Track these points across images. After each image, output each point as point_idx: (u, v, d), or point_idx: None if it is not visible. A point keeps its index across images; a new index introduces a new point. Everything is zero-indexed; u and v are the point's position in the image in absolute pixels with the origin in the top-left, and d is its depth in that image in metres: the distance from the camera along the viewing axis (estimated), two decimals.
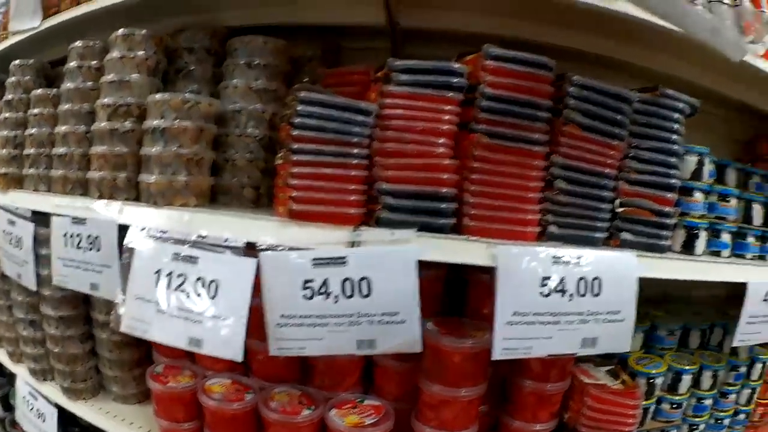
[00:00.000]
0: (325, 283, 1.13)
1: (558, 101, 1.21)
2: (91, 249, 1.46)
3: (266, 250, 1.16)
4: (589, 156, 1.22)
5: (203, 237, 1.25)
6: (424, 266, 1.11)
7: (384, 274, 1.12)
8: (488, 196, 1.17)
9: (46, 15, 1.77)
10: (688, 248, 1.37)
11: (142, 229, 1.31)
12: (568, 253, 1.17)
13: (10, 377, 2.04)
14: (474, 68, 1.19)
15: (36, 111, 1.64)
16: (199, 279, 1.22)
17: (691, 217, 1.36)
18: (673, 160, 1.29)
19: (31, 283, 1.63)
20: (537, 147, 1.18)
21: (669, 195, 1.29)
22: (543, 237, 1.22)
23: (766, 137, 1.86)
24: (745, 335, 1.43)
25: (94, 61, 1.57)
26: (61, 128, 1.51)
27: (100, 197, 1.45)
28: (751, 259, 1.50)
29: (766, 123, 1.83)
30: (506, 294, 1.13)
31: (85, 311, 1.69)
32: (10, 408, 2.11)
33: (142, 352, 1.59)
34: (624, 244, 1.27)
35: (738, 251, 1.48)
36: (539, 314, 1.14)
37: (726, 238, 1.44)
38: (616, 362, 1.47)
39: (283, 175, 1.20)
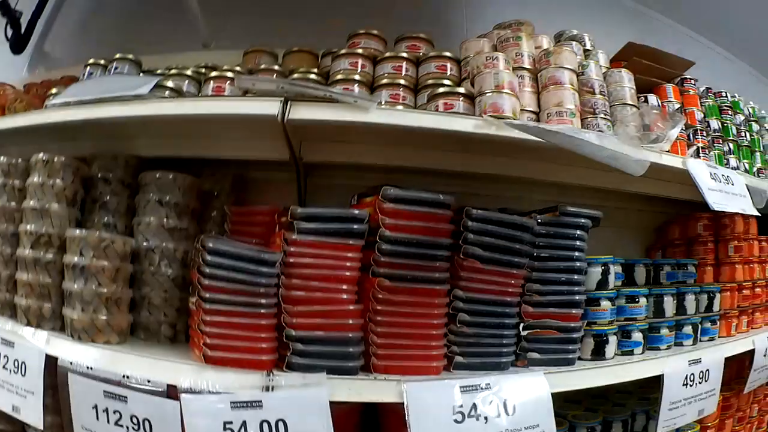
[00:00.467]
0: (244, 425, 1.17)
1: (457, 234, 1.25)
2: (16, 372, 1.48)
3: (187, 392, 1.19)
4: (491, 287, 1.27)
5: (128, 377, 1.28)
6: (338, 402, 1.15)
7: (299, 415, 1.16)
8: (393, 336, 1.21)
9: None
10: (598, 354, 1.43)
11: (71, 363, 1.34)
12: (476, 381, 1.22)
13: None
14: (373, 210, 1.23)
15: None
16: (132, 416, 1.25)
17: (599, 325, 1.42)
18: (576, 277, 1.35)
19: None
20: (438, 285, 1.22)
21: (574, 311, 1.35)
22: (449, 368, 1.26)
23: (676, 222, 1.94)
24: (668, 421, 1.50)
25: (18, 181, 1.57)
26: None
27: (28, 324, 1.46)
28: (666, 348, 1.57)
29: (675, 208, 1.91)
30: (419, 426, 1.17)
31: (21, 427, 1.70)
32: None
33: None
34: (532, 363, 1.33)
35: (652, 344, 1.55)
36: None
37: (637, 336, 1.50)
38: None
39: (197, 320, 1.23)
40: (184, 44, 2.01)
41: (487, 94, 1.32)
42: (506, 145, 1.31)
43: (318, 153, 1.45)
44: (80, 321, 1.35)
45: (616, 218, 1.38)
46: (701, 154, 1.65)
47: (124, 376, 1.28)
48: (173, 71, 1.58)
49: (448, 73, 1.45)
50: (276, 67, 1.51)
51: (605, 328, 1.44)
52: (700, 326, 1.69)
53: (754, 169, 1.95)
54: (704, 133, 1.73)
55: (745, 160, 1.91)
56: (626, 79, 1.54)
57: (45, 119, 1.53)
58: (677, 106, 1.68)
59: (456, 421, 1.20)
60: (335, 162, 1.46)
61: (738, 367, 1.92)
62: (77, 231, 1.37)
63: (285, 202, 1.45)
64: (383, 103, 1.39)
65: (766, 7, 2.24)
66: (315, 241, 1.20)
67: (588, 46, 1.68)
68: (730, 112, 1.91)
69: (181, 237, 1.43)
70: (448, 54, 1.48)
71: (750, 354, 1.78)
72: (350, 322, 1.20)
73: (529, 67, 1.45)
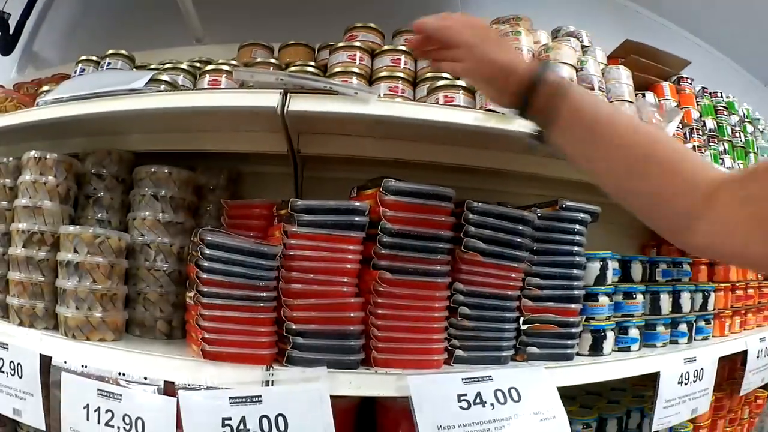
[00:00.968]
0: (243, 420, 1.15)
1: (458, 227, 1.25)
2: (13, 375, 1.45)
3: (184, 389, 1.17)
4: (491, 281, 1.26)
5: (123, 375, 1.26)
6: (337, 396, 1.14)
7: (299, 410, 1.15)
8: (394, 330, 1.20)
9: None
10: (595, 350, 1.43)
11: (65, 362, 1.31)
12: (476, 375, 1.22)
13: None
14: (374, 203, 1.22)
15: None
16: (125, 415, 1.22)
17: (597, 321, 1.42)
18: (575, 272, 1.35)
19: None
20: (440, 278, 1.22)
21: (573, 306, 1.35)
22: (450, 361, 1.25)
23: None
24: (663, 419, 1.50)
25: (9, 180, 1.55)
26: None
27: (20, 324, 1.44)
28: (662, 346, 1.57)
29: None
30: (426, 417, 1.16)
31: (13, 428, 1.66)
32: None
33: None
34: (531, 358, 1.32)
35: (648, 341, 1.56)
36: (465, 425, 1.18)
37: (634, 333, 1.51)
38: None
39: (194, 315, 1.22)
40: (176, 40, 2.00)
41: None
42: (506, 139, 1.30)
43: (316, 145, 1.44)
44: (74, 319, 1.32)
45: (610, 215, 1.39)
46: (697, 153, 1.67)
47: (119, 374, 1.26)
48: (167, 65, 1.56)
49: None
50: (272, 61, 1.51)
51: (603, 323, 1.44)
52: (695, 325, 1.70)
53: None
54: (700, 132, 1.74)
55: (740, 161, 1.93)
56: (624, 76, 1.55)
57: (37, 117, 1.50)
58: (674, 104, 1.70)
59: (462, 408, 1.18)
60: (333, 155, 1.45)
61: (730, 368, 1.94)
62: (71, 228, 1.35)
63: (281, 195, 1.45)
64: (382, 95, 1.38)
65: (761, 10, 2.28)
66: (315, 233, 1.18)
67: (585, 43, 1.70)
68: (725, 112, 1.93)
69: (177, 232, 1.41)
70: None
71: (743, 355, 1.80)
72: (351, 315, 1.19)
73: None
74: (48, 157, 1.46)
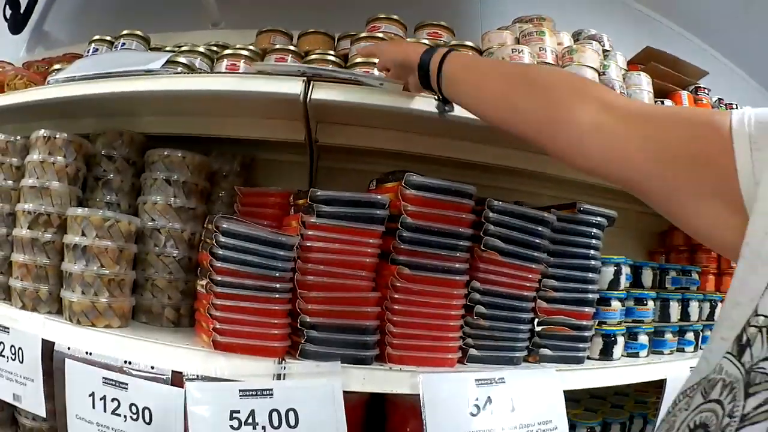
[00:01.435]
0: (252, 414, 1.13)
1: (477, 225, 1.24)
2: (14, 359, 1.42)
3: (193, 380, 1.15)
4: (508, 281, 1.25)
5: (129, 363, 1.23)
6: (346, 391, 1.12)
7: (310, 405, 1.13)
8: (410, 326, 1.18)
9: None
10: (605, 354, 1.42)
11: (69, 348, 1.28)
12: (490, 375, 1.20)
13: None
14: (394, 197, 1.20)
15: None
16: (132, 405, 1.20)
17: (608, 325, 1.42)
18: (590, 275, 1.34)
19: None
20: (458, 276, 1.20)
21: (587, 309, 1.34)
22: (464, 360, 1.24)
23: (679, 229, 1.95)
24: None
25: (15, 159, 1.52)
26: None
27: (23, 308, 1.40)
28: (669, 353, 1.57)
29: None
30: (435, 419, 1.15)
31: (10, 413, 1.63)
32: None
33: None
34: (543, 360, 1.32)
35: (656, 348, 1.55)
36: None
37: (643, 339, 1.50)
38: None
39: (206, 304, 1.19)
40: (191, 23, 1.96)
41: None
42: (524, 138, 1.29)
43: (334, 136, 1.42)
44: (80, 304, 1.29)
45: (622, 220, 1.38)
46: None
47: (125, 362, 1.23)
48: (184, 48, 1.53)
49: None
50: (291, 48, 1.48)
51: (614, 328, 1.44)
52: (701, 334, 1.70)
53: None
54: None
55: None
56: (645, 82, 1.55)
57: (48, 95, 1.47)
58: None
59: (471, 414, 1.17)
60: (350, 145, 1.43)
61: None
62: (79, 210, 1.31)
63: (293, 183, 1.43)
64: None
65: None
66: (335, 225, 1.16)
67: (607, 47, 1.69)
68: None
69: (189, 217, 1.39)
70: (470, 43, 1.47)
71: None
72: (367, 310, 1.17)
73: (552, 62, 1.44)
74: (57, 136, 1.43)
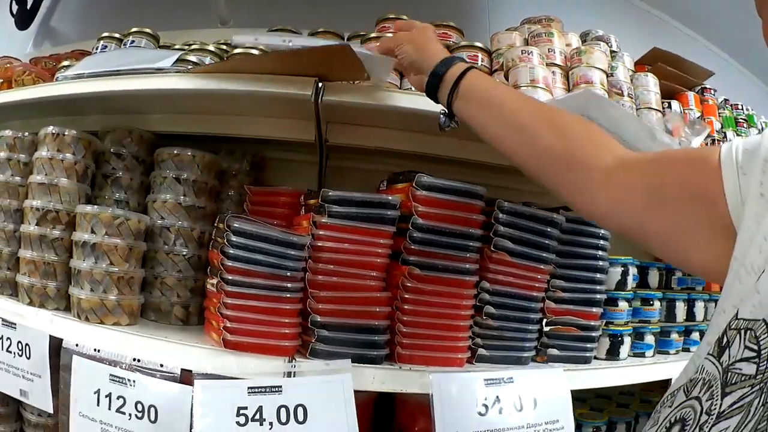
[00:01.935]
0: (259, 410, 1.13)
1: (487, 226, 1.24)
2: (21, 355, 1.42)
3: (202, 377, 1.15)
4: (517, 281, 1.26)
5: (138, 361, 1.23)
6: (355, 391, 1.13)
7: (320, 402, 1.13)
8: (420, 326, 1.19)
9: None
10: (612, 354, 1.43)
11: (77, 345, 1.28)
12: (499, 375, 1.21)
13: None
14: (405, 197, 1.20)
15: None
16: (138, 402, 1.20)
17: (615, 325, 1.42)
18: (598, 276, 1.35)
19: None
20: (468, 276, 1.21)
21: (594, 310, 1.35)
22: (473, 360, 1.25)
23: None
24: None
25: (23, 155, 1.51)
26: None
27: (30, 304, 1.40)
28: (675, 353, 1.58)
29: None
30: (445, 418, 1.16)
31: (15, 409, 1.63)
32: None
33: None
34: (551, 360, 1.32)
35: (662, 348, 1.56)
36: None
37: (650, 339, 1.51)
38: None
39: (216, 303, 1.19)
40: (200, 21, 1.96)
41: (522, 88, 1.31)
42: None
43: (344, 136, 1.42)
44: (88, 301, 1.29)
45: None
46: None
47: (134, 360, 1.23)
48: (194, 46, 1.53)
49: (480, 63, 1.44)
50: None
51: (621, 328, 1.44)
52: None
53: None
54: (721, 143, 1.75)
55: None
56: (652, 83, 1.55)
57: (57, 92, 1.46)
58: (698, 114, 1.70)
59: (480, 413, 1.18)
60: (359, 145, 1.43)
61: None
62: (89, 207, 1.31)
63: (303, 183, 1.43)
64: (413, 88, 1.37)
65: None
66: (346, 225, 1.17)
67: (614, 48, 1.69)
68: (745, 125, 1.95)
69: (198, 216, 1.39)
70: (479, 45, 1.47)
71: None
72: (377, 310, 1.17)
73: (560, 63, 1.45)
74: (66, 133, 1.42)
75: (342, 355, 1.15)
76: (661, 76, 1.61)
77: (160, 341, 1.23)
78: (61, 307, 1.38)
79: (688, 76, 1.72)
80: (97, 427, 1.21)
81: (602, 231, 1.37)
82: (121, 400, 1.21)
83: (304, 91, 1.19)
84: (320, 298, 1.16)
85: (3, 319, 1.42)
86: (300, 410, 1.13)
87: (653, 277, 1.59)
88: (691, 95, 1.73)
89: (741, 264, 0.57)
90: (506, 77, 1.37)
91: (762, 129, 2.07)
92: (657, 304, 1.53)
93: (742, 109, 2.00)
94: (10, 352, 1.42)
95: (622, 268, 1.45)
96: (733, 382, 0.52)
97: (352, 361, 1.14)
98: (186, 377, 1.18)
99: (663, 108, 1.58)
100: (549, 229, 1.28)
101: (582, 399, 1.71)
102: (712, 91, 1.84)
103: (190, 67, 1.38)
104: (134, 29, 1.64)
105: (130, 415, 1.20)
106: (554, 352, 1.32)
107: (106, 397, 1.21)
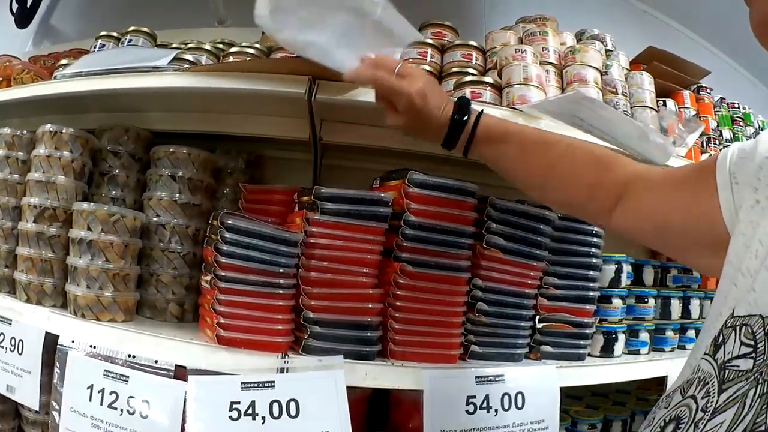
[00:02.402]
0: (252, 404, 1.14)
1: (479, 223, 1.25)
2: (12, 350, 1.43)
3: (196, 373, 1.16)
4: (510, 278, 1.26)
5: (133, 357, 1.24)
6: (349, 387, 1.13)
7: (313, 397, 1.14)
8: (412, 323, 1.19)
9: None
10: (606, 351, 1.43)
11: (72, 341, 1.30)
12: (490, 372, 1.22)
13: None
14: (398, 194, 1.21)
15: None
16: (130, 398, 1.21)
17: (609, 322, 1.43)
18: (591, 273, 1.36)
19: None
20: (460, 273, 1.21)
21: (588, 307, 1.35)
22: (465, 356, 1.25)
23: None
24: None
25: (21, 153, 1.53)
26: None
27: (28, 301, 1.42)
28: (670, 351, 1.58)
29: None
30: (434, 415, 1.16)
31: (14, 406, 1.64)
32: None
33: None
34: (544, 356, 1.33)
35: (657, 345, 1.56)
36: (466, 431, 1.18)
37: (644, 336, 1.51)
38: None
39: (210, 299, 1.20)
40: (197, 20, 1.97)
41: (515, 86, 1.32)
42: None
43: (338, 134, 1.43)
44: (84, 298, 1.30)
45: None
46: None
47: (129, 356, 1.24)
48: (191, 45, 1.54)
49: (474, 62, 1.45)
50: None
51: (615, 325, 1.45)
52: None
53: None
54: (717, 142, 1.75)
55: None
56: (647, 82, 1.55)
57: (55, 90, 1.47)
58: (693, 113, 1.70)
59: (468, 412, 1.19)
60: (354, 144, 1.44)
61: None
62: (85, 204, 1.32)
63: (298, 181, 1.43)
64: None
65: None
66: (338, 222, 1.17)
67: (609, 47, 1.70)
68: (741, 123, 1.94)
69: (194, 213, 1.40)
70: (474, 44, 1.48)
71: None
72: (369, 306, 1.18)
73: (554, 62, 1.45)
74: (64, 131, 1.44)
75: (334, 351, 1.16)
76: (657, 75, 1.61)
77: (155, 337, 1.23)
78: (58, 304, 1.39)
79: (683, 75, 1.73)
80: (87, 422, 1.22)
81: (595, 229, 1.37)
82: (114, 395, 1.21)
83: (297, 89, 1.19)
84: (313, 294, 1.17)
85: None
86: (292, 405, 1.14)
87: (648, 275, 1.59)
88: (686, 94, 1.73)
89: (737, 269, 0.58)
90: (500, 75, 1.37)
91: (759, 127, 2.07)
92: (651, 301, 1.54)
93: (739, 107, 2.00)
94: (2, 347, 1.43)
95: (616, 266, 1.45)
96: (730, 378, 0.52)
97: (345, 357, 1.15)
98: (180, 373, 1.19)
99: (658, 106, 1.59)
100: (541, 227, 1.28)
101: (578, 397, 1.71)
102: (708, 90, 1.84)
103: (186, 65, 1.39)
104: (132, 28, 1.65)
105: (121, 410, 1.20)
106: (547, 349, 1.33)
107: (99, 392, 1.22)
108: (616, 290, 1.45)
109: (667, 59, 1.70)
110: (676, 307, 1.60)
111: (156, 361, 1.22)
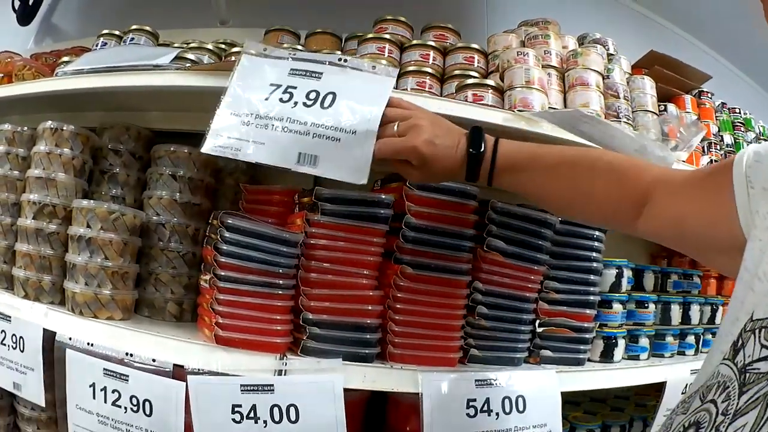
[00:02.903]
0: (253, 408, 1.14)
1: (480, 226, 1.24)
2: (15, 348, 1.43)
3: (194, 373, 1.15)
4: (510, 282, 1.26)
5: (131, 355, 1.24)
6: (347, 389, 1.13)
7: (311, 401, 1.14)
8: (412, 325, 1.19)
9: None
10: (606, 357, 1.43)
11: (70, 339, 1.29)
12: (490, 376, 1.21)
13: None
14: (399, 196, 1.21)
15: None
16: (132, 396, 1.21)
17: (610, 327, 1.42)
18: (592, 278, 1.35)
19: None
20: (461, 276, 1.21)
21: (588, 311, 1.35)
22: (465, 360, 1.25)
23: None
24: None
25: (22, 149, 1.52)
26: None
27: (25, 297, 1.41)
28: (670, 357, 1.58)
29: None
30: (433, 418, 1.16)
31: (9, 402, 1.64)
32: None
33: None
34: (544, 361, 1.32)
35: (657, 351, 1.56)
36: None
37: (644, 342, 1.51)
38: None
39: (209, 299, 1.20)
40: (200, 20, 1.97)
41: (517, 89, 1.32)
42: (534, 141, 1.29)
43: None
44: (83, 295, 1.30)
45: None
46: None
47: (127, 354, 1.24)
48: (193, 45, 1.54)
49: (476, 65, 1.45)
50: (299, 47, 1.49)
51: (615, 330, 1.44)
52: (702, 337, 1.71)
53: None
54: (718, 147, 1.75)
55: None
56: (648, 86, 1.55)
57: (56, 87, 1.47)
58: (695, 117, 1.70)
59: (468, 415, 1.18)
60: None
61: None
62: (85, 202, 1.32)
63: (298, 182, 1.43)
64: (409, 89, 1.38)
65: None
66: (338, 223, 1.17)
67: (611, 51, 1.70)
68: (742, 129, 1.94)
69: (194, 213, 1.39)
70: (476, 46, 1.47)
71: None
72: (369, 308, 1.17)
73: (556, 65, 1.45)
74: (65, 128, 1.43)
75: (333, 353, 1.15)
76: (658, 79, 1.61)
77: (153, 336, 1.23)
78: (56, 300, 1.39)
79: (685, 80, 1.73)
80: (94, 419, 1.23)
81: (596, 233, 1.37)
82: (116, 393, 1.21)
83: None
84: (312, 295, 1.17)
85: None
86: (292, 410, 1.14)
87: (648, 280, 1.59)
88: (687, 98, 1.73)
89: (753, 275, 0.57)
90: (502, 78, 1.37)
91: (760, 133, 2.07)
92: (652, 306, 1.53)
93: (740, 112, 2.00)
94: (5, 344, 1.43)
95: (617, 271, 1.45)
96: (751, 381, 0.51)
97: (344, 359, 1.15)
98: (178, 372, 1.18)
99: (659, 111, 1.59)
100: (542, 230, 1.28)
101: (576, 402, 1.71)
102: (710, 95, 1.84)
103: (188, 64, 1.39)
104: (134, 27, 1.65)
105: (126, 408, 1.21)
106: (547, 353, 1.32)
107: (101, 390, 1.22)
108: (617, 295, 1.45)
109: (669, 63, 1.70)
110: (676, 312, 1.60)
111: (154, 360, 1.21)
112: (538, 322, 1.31)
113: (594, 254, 1.36)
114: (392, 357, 1.19)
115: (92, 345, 1.27)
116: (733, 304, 0.60)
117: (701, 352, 1.71)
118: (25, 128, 1.52)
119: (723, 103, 1.97)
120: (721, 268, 0.91)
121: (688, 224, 0.76)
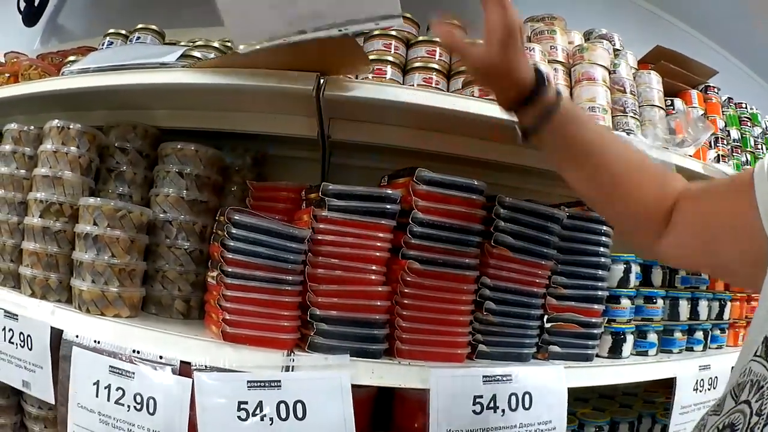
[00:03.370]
0: (260, 405, 1.13)
1: (488, 221, 1.24)
2: (23, 346, 1.43)
3: (201, 370, 1.15)
4: (518, 277, 1.25)
5: (137, 352, 1.24)
6: (354, 386, 1.13)
7: (318, 397, 1.13)
8: (420, 321, 1.19)
9: None
10: (615, 352, 1.42)
11: (77, 336, 1.29)
12: (497, 372, 1.20)
13: None
14: (406, 192, 1.20)
15: None
16: (137, 394, 1.20)
17: (618, 323, 1.41)
18: (600, 272, 1.34)
19: None
20: (468, 272, 1.20)
21: (596, 306, 1.34)
22: (473, 356, 1.24)
23: None
24: (678, 425, 1.49)
25: (28, 148, 1.53)
26: None
27: (32, 295, 1.41)
28: (678, 352, 1.57)
29: None
30: (440, 414, 1.15)
31: (16, 401, 1.64)
32: None
33: None
34: (552, 356, 1.31)
35: (665, 347, 1.55)
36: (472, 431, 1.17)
37: (653, 337, 1.50)
38: None
39: (216, 295, 1.20)
40: (206, 19, 1.96)
41: None
42: None
43: (347, 132, 1.42)
44: (90, 293, 1.30)
45: None
46: (721, 162, 1.67)
47: (134, 351, 1.23)
48: (199, 43, 1.54)
49: None
50: None
51: (624, 326, 1.43)
52: (710, 333, 1.70)
53: None
54: (724, 142, 1.74)
55: None
56: (655, 81, 1.55)
57: (63, 86, 1.47)
58: (701, 112, 1.70)
59: (475, 412, 1.18)
60: (362, 142, 1.44)
61: None
62: (91, 199, 1.32)
63: (305, 179, 1.43)
64: (415, 85, 1.37)
65: None
66: (346, 219, 1.17)
67: (617, 46, 1.69)
68: (749, 124, 1.94)
69: (201, 210, 1.39)
70: (482, 42, 1.46)
71: None
72: (377, 304, 1.17)
73: (562, 60, 1.45)
74: (71, 127, 1.44)
75: (341, 348, 1.15)
76: (665, 75, 1.61)
77: (159, 333, 1.23)
78: (63, 298, 1.39)
79: (691, 75, 1.72)
80: (96, 418, 1.22)
81: (604, 227, 1.36)
82: (120, 391, 1.21)
83: (305, 86, 1.19)
84: (320, 291, 1.16)
85: (5, 311, 1.43)
86: (299, 406, 1.13)
87: (656, 276, 1.58)
88: (694, 93, 1.72)
89: None
90: None
91: (766, 128, 2.06)
92: (660, 302, 1.52)
93: (746, 107, 1.99)
94: (12, 343, 1.43)
95: (625, 266, 1.44)
96: None
97: (351, 355, 1.14)
98: (185, 369, 1.18)
99: (666, 105, 1.58)
100: (550, 225, 1.27)
101: (584, 399, 1.70)
102: (716, 90, 1.83)
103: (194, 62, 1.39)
104: (140, 26, 1.66)
105: (129, 406, 1.20)
106: (555, 349, 1.32)
107: (105, 388, 1.22)
108: (625, 290, 1.44)
109: (675, 59, 1.70)
110: (684, 308, 1.59)
111: (161, 357, 1.21)
112: (546, 317, 1.31)
113: (602, 249, 1.35)
114: (400, 353, 1.19)
115: (99, 342, 1.26)
116: (763, 303, 0.59)
117: (709, 347, 1.70)
118: (32, 127, 1.53)
119: (729, 98, 1.96)
120: (747, 282, 0.78)
121: (713, 234, 0.74)
